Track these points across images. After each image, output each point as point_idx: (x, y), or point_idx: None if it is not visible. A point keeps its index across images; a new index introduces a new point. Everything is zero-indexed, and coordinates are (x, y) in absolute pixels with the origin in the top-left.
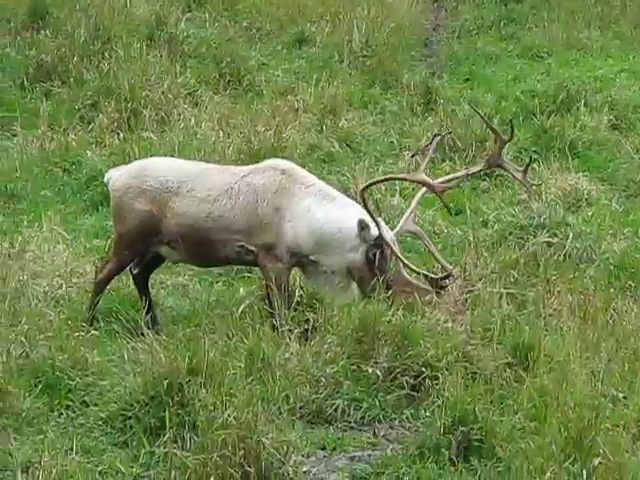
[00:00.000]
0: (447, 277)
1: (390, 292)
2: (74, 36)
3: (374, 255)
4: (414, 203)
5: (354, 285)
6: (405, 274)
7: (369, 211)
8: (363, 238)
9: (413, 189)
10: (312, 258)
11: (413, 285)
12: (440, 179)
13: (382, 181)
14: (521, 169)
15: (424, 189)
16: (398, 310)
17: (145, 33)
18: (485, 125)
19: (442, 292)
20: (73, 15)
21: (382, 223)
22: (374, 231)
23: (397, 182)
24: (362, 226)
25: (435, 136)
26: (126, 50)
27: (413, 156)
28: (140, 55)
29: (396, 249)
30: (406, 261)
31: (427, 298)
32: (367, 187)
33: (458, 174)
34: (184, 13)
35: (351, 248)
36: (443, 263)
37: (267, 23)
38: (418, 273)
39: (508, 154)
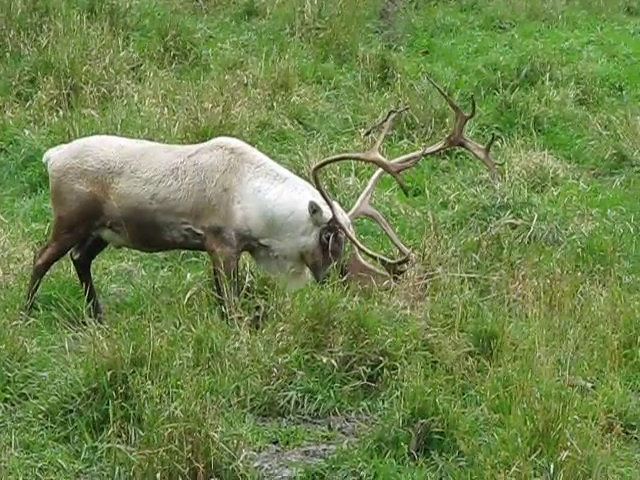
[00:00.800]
0: (405, 262)
1: (345, 277)
2: (10, 8)
3: (327, 239)
4: (370, 184)
5: (307, 270)
6: (361, 259)
7: (322, 192)
8: (316, 221)
9: (369, 169)
10: (262, 242)
11: (369, 270)
12: (397, 159)
13: (335, 160)
14: (483, 147)
15: (380, 169)
16: (354, 296)
17: (85, 4)
18: (445, 100)
19: (399, 277)
20: None
21: (336, 205)
22: (327, 214)
23: (352, 161)
24: (314, 209)
25: (391, 112)
26: (65, 23)
27: (368, 134)
28: (80, 28)
29: (351, 232)
30: (362, 245)
31: (384, 284)
32: (320, 167)
33: (416, 153)
34: None
35: (304, 232)
36: (401, 247)
37: None
38: (374, 258)
39: (469, 131)
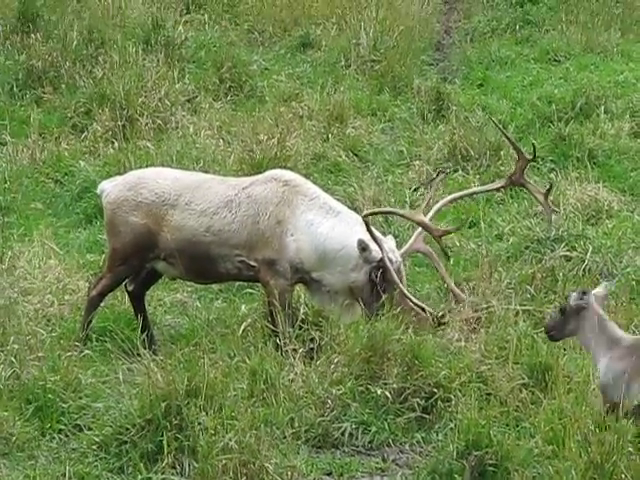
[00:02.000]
0: (443, 321)
1: (399, 309)
2: (66, 40)
3: (377, 277)
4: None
5: (357, 305)
6: (407, 299)
7: (372, 235)
8: (365, 259)
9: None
10: (314, 276)
11: (414, 310)
12: (451, 196)
13: (383, 213)
14: (543, 192)
15: (435, 209)
16: (408, 328)
17: (141, 37)
18: (500, 133)
19: (441, 328)
20: (65, 18)
21: (390, 243)
22: (377, 252)
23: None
24: (362, 246)
25: (439, 173)
26: (121, 55)
27: (416, 190)
28: (136, 60)
29: (397, 275)
30: (406, 292)
31: (426, 325)
32: (368, 215)
33: (471, 190)
34: (182, 15)
35: (353, 267)
36: (453, 289)
37: (270, 26)
38: (418, 307)
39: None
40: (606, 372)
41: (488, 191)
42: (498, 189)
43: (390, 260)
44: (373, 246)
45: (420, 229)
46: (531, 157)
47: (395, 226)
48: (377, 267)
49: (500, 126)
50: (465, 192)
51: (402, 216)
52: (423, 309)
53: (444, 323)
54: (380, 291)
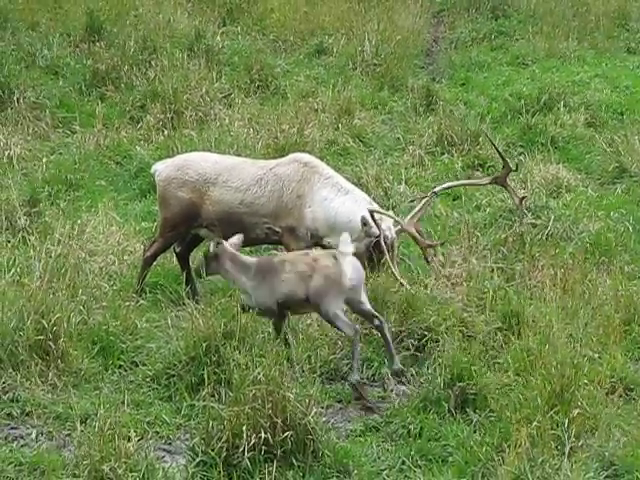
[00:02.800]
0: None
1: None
2: (125, 47)
3: (373, 248)
4: (420, 206)
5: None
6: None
7: (373, 218)
8: (366, 232)
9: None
10: (326, 241)
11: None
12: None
13: (383, 213)
14: (519, 197)
15: (427, 196)
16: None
17: (186, 45)
18: (477, 124)
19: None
20: (124, 29)
21: (387, 222)
22: (376, 229)
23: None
24: (364, 222)
25: (433, 193)
26: (170, 59)
27: (412, 201)
28: (182, 64)
29: (391, 248)
30: (393, 265)
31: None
32: (373, 212)
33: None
34: (220, 27)
35: (356, 238)
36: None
37: (291, 36)
38: (395, 277)
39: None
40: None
41: (474, 185)
42: (483, 184)
43: (386, 236)
44: (373, 223)
45: (414, 212)
46: (514, 169)
47: (393, 199)
48: (375, 242)
49: (492, 140)
50: (456, 183)
51: (397, 221)
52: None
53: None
54: (375, 259)
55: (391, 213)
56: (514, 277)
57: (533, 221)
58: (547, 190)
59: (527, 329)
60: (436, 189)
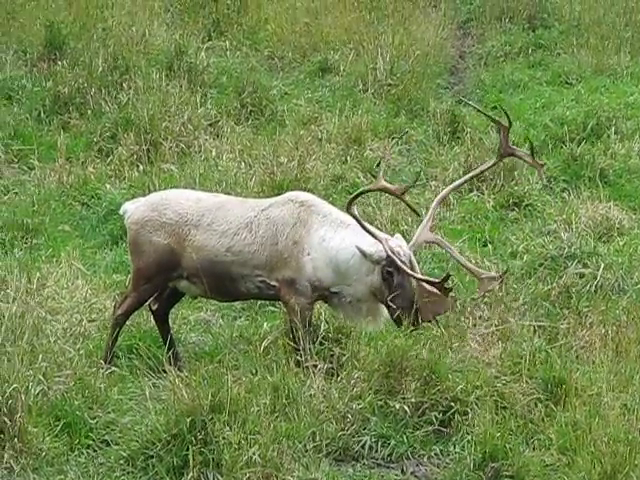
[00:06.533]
0: (446, 279)
1: (417, 307)
2: (92, 67)
3: (389, 273)
4: (430, 212)
5: (382, 307)
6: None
7: (368, 230)
8: (375, 260)
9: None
10: (334, 290)
11: (434, 293)
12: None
13: (355, 198)
14: (529, 153)
15: (438, 198)
16: (425, 345)
17: (164, 63)
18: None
19: (452, 294)
20: (90, 45)
21: (397, 240)
22: (381, 251)
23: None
24: (360, 250)
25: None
26: (145, 80)
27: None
28: (159, 85)
29: (410, 267)
30: (418, 275)
31: (448, 303)
32: (353, 199)
33: (470, 174)
34: (204, 42)
35: (367, 271)
36: (469, 267)
37: (289, 51)
38: (434, 284)
39: (537, 183)
40: None
41: (483, 171)
42: (492, 166)
43: (397, 253)
44: (376, 246)
45: (425, 221)
46: (509, 124)
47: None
48: (387, 264)
49: (479, 107)
50: (461, 180)
51: (367, 191)
52: (441, 284)
53: (450, 289)
54: (395, 287)
55: (360, 190)
56: (557, 337)
57: (580, 270)
58: (596, 233)
59: (573, 399)
60: (441, 194)
